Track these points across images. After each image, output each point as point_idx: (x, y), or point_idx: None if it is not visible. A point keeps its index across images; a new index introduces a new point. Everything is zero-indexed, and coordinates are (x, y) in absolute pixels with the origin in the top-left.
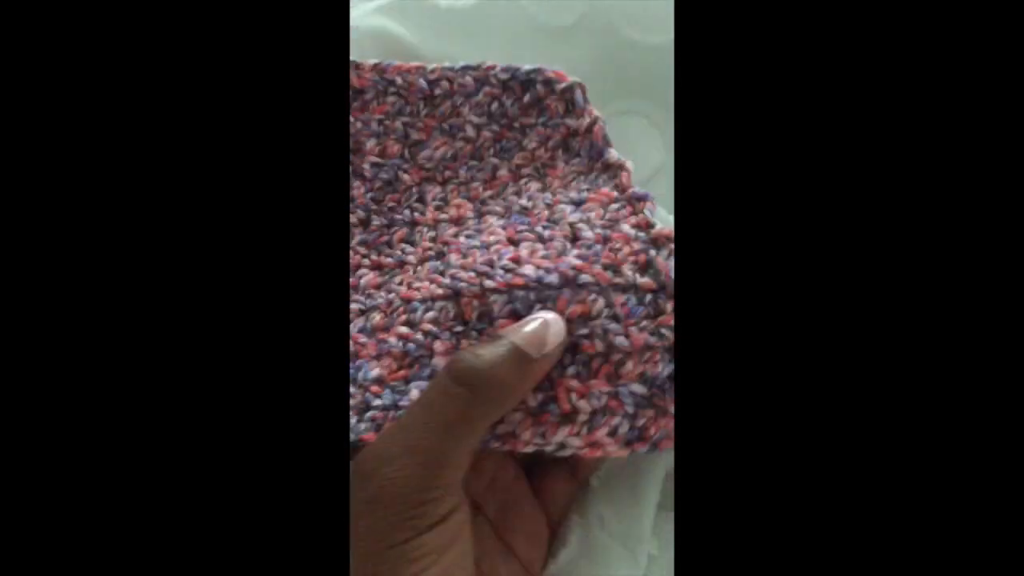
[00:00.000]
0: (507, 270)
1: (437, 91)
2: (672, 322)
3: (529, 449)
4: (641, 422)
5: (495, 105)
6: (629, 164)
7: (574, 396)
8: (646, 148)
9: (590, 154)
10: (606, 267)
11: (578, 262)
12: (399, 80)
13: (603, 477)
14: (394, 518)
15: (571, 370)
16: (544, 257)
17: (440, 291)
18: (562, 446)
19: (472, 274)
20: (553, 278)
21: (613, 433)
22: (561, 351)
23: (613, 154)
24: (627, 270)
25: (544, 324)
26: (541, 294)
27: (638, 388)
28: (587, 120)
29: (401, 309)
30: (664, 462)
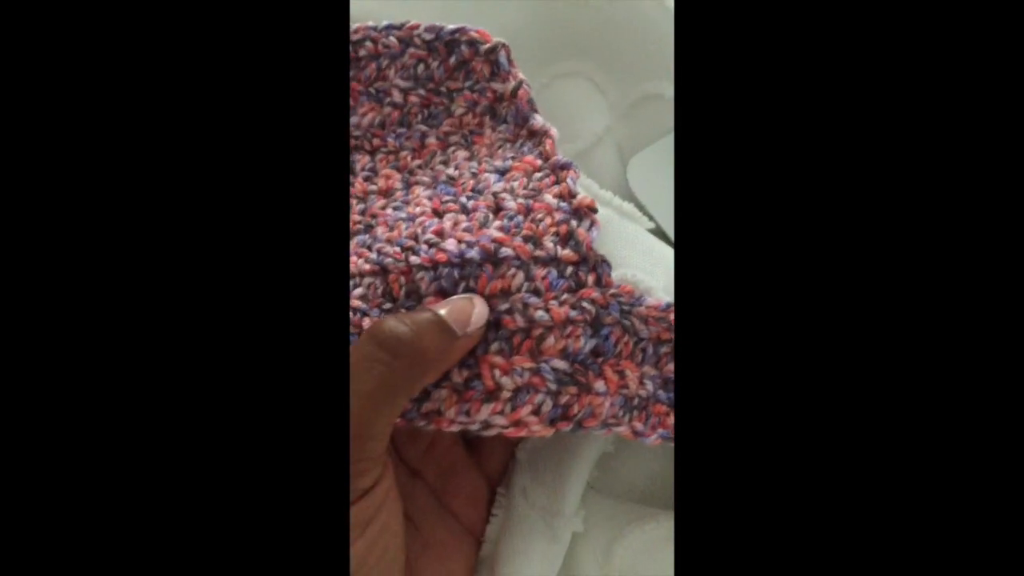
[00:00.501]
0: (431, 245)
1: (362, 52)
2: (593, 295)
3: (455, 428)
4: (564, 399)
5: (421, 68)
6: (554, 131)
7: (498, 372)
8: (589, 113)
9: (516, 120)
10: (527, 239)
11: (499, 234)
12: None
13: (529, 450)
14: None
15: (495, 346)
16: (466, 230)
17: (368, 267)
18: (487, 424)
19: (397, 249)
20: (474, 253)
21: (537, 411)
22: (482, 333)
23: (538, 120)
24: (548, 242)
25: (470, 302)
26: (464, 270)
27: (560, 364)
28: (512, 83)
29: None
30: (598, 443)
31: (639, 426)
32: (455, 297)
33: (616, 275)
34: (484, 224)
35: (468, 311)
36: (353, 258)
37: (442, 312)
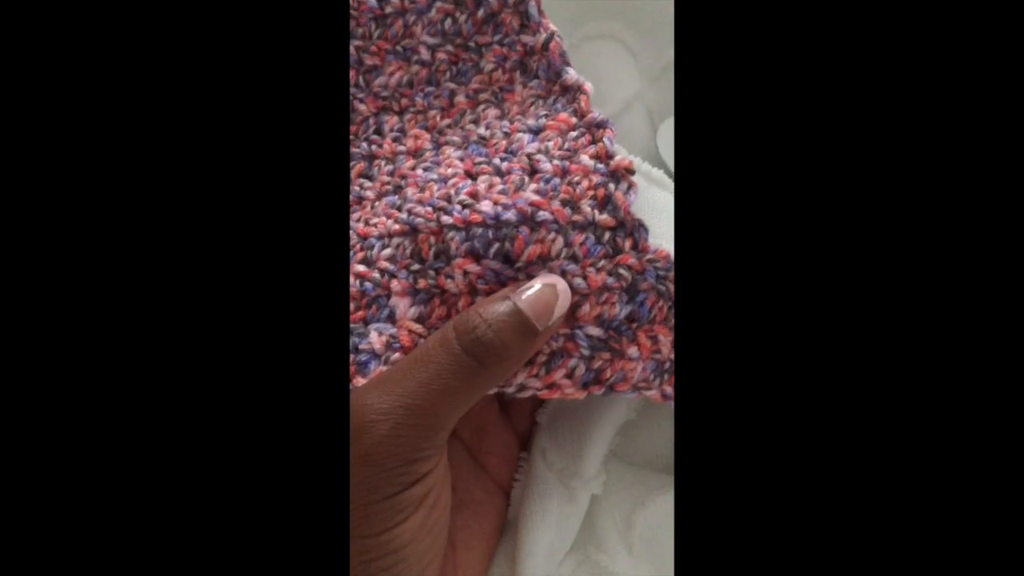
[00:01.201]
0: (464, 206)
1: (388, 9)
2: (630, 261)
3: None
4: (597, 364)
5: (448, 22)
6: (588, 85)
7: None
8: (619, 76)
9: (547, 75)
10: (564, 203)
11: (536, 198)
12: None
13: (550, 414)
14: (385, 475)
15: None
16: (502, 192)
17: (397, 227)
18: (522, 387)
19: (429, 209)
20: (511, 215)
21: (570, 375)
22: (561, 322)
23: (571, 74)
24: (586, 206)
25: (553, 291)
26: (499, 232)
27: (594, 330)
28: (543, 36)
29: (358, 247)
30: (620, 409)
31: (669, 390)
32: (538, 282)
33: None
34: (520, 187)
35: (551, 303)
36: (382, 219)
37: (522, 304)
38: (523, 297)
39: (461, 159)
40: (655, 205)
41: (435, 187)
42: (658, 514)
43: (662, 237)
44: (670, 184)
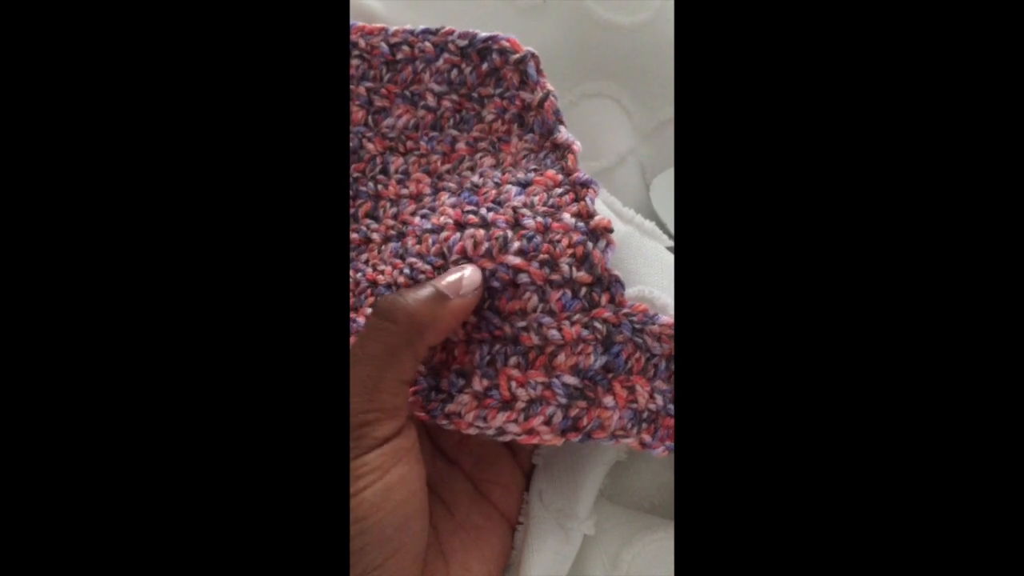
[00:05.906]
0: None
1: (399, 55)
2: (605, 314)
3: (472, 431)
4: (574, 412)
5: (455, 72)
6: (577, 145)
7: (514, 384)
8: (614, 133)
9: (541, 131)
10: (543, 263)
11: (517, 260)
12: (361, 43)
13: (546, 456)
14: None
15: (512, 360)
16: (486, 253)
17: (403, 279)
18: (502, 431)
19: (428, 267)
20: (495, 283)
21: (548, 422)
22: (478, 298)
23: (563, 133)
24: (564, 264)
25: (462, 275)
26: (488, 291)
27: (570, 380)
28: (540, 94)
29: (368, 291)
30: (611, 451)
31: (647, 438)
32: (452, 270)
33: (633, 291)
34: (504, 247)
35: (459, 280)
36: (388, 267)
37: (437, 284)
38: (437, 280)
39: (453, 206)
40: (647, 255)
41: (430, 239)
42: (644, 553)
43: (655, 286)
44: (661, 235)
